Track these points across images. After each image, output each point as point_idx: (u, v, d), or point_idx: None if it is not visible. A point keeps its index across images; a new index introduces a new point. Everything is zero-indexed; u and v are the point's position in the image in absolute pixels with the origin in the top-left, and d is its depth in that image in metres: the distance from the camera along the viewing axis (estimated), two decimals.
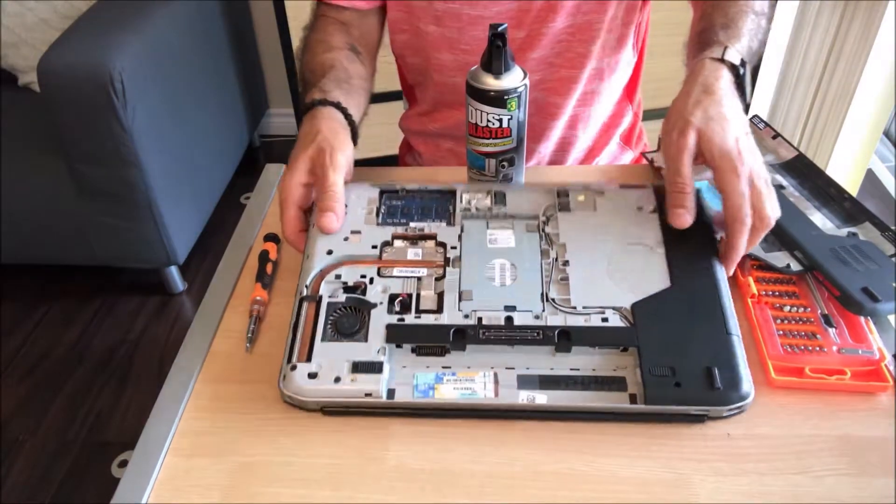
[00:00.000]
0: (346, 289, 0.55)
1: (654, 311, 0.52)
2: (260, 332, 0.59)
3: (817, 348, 0.53)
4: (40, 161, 1.53)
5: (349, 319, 0.53)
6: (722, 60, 0.58)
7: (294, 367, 0.50)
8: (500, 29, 0.58)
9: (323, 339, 0.52)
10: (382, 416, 0.51)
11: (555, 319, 0.52)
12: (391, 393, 0.50)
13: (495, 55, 0.58)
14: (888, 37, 1.26)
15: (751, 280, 0.57)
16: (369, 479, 0.48)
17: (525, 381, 0.50)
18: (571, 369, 0.50)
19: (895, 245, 0.59)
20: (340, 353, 0.51)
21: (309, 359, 0.51)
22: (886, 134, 1.92)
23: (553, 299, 0.53)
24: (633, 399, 0.48)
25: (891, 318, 0.56)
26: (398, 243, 0.58)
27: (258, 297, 0.60)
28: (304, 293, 0.55)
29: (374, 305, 0.53)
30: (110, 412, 1.49)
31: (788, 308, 0.56)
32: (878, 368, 0.52)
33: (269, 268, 0.63)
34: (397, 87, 0.95)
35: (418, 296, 0.54)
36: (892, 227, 0.60)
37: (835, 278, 0.55)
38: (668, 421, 0.49)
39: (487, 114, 0.60)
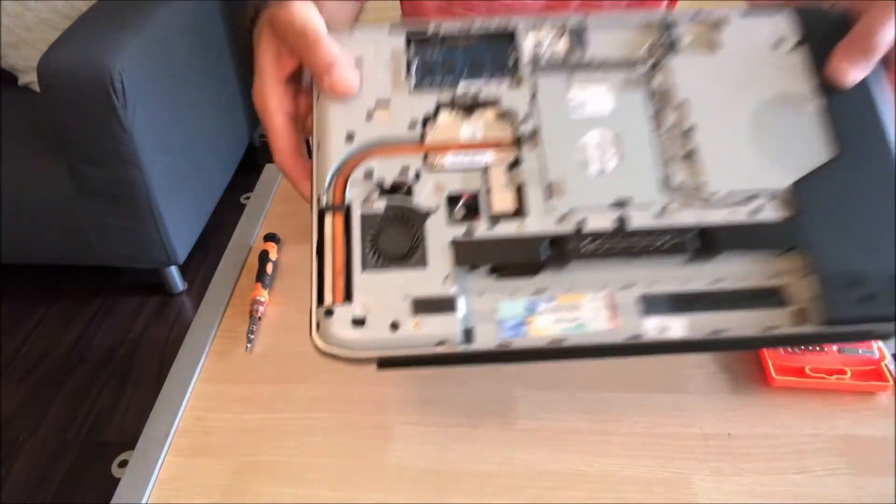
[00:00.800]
0: (384, 191, 0.39)
1: (823, 191, 0.38)
2: (260, 332, 0.59)
3: (817, 347, 0.53)
4: (40, 161, 1.53)
5: (397, 236, 0.38)
6: None
7: (330, 312, 0.36)
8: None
9: (364, 269, 0.37)
10: (456, 363, 0.38)
11: (686, 215, 0.37)
12: (468, 334, 0.36)
13: None
14: None
15: None
16: (369, 479, 0.48)
17: (651, 304, 0.37)
18: (711, 282, 0.37)
19: None
20: (392, 285, 0.37)
21: (349, 297, 0.36)
22: None
23: (680, 186, 0.38)
24: (800, 317, 0.36)
25: None
26: (445, 116, 0.41)
27: (258, 297, 0.60)
28: (325, 202, 0.39)
29: (428, 213, 0.38)
30: (110, 412, 1.49)
31: None
32: (878, 368, 0.52)
33: (269, 268, 0.63)
34: None
35: (488, 194, 0.39)
36: None
37: None
38: (847, 340, 0.39)
39: None
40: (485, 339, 0.36)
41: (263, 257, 0.64)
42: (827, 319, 0.36)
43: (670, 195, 0.38)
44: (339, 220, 0.39)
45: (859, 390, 0.51)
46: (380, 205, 0.38)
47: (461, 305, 0.36)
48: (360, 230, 0.38)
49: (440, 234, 0.38)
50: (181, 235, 1.66)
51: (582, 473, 0.47)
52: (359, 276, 0.37)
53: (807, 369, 0.51)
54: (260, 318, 0.59)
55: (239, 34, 1.89)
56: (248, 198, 0.75)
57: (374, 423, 0.51)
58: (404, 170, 0.39)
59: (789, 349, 0.53)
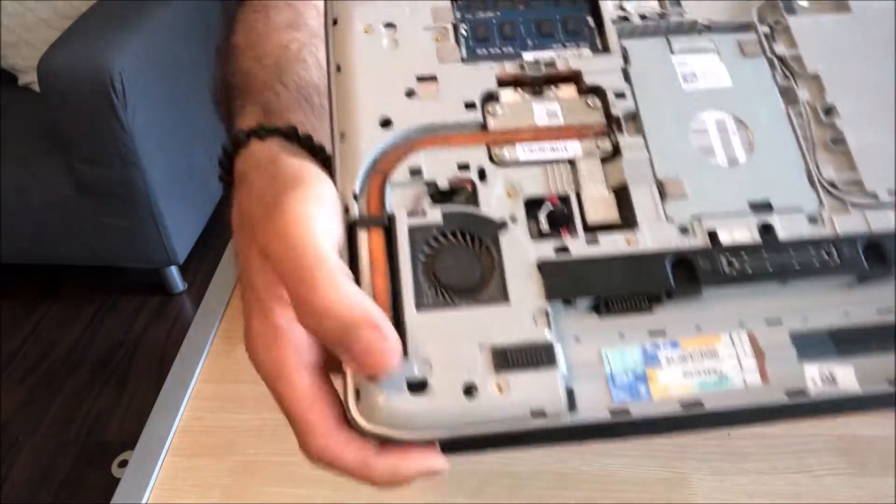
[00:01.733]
0: (438, 195, 0.28)
1: None
2: None
3: None
4: (40, 161, 1.53)
5: (461, 259, 0.27)
6: None
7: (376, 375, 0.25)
8: None
9: (420, 308, 0.26)
10: (550, 442, 0.26)
11: (847, 221, 0.28)
12: (570, 397, 0.25)
13: None
14: None
15: None
16: None
17: (807, 345, 0.27)
18: (880, 311, 0.27)
19: None
20: (461, 331, 0.26)
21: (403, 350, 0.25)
22: None
23: (832, 183, 0.29)
24: None
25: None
26: (510, 94, 0.31)
27: None
28: (356, 212, 0.28)
29: (503, 225, 0.27)
30: (110, 412, 1.49)
31: None
32: None
33: None
34: None
35: (580, 197, 0.28)
36: None
37: None
38: None
39: None
40: (593, 405, 0.25)
41: None
42: None
43: (822, 195, 0.29)
44: (379, 237, 0.27)
45: None
46: (434, 215, 0.27)
47: (560, 356, 0.25)
48: (410, 252, 0.27)
49: (522, 254, 0.27)
50: (181, 235, 1.66)
51: (582, 473, 0.47)
52: (413, 319, 0.26)
53: None
54: None
55: None
56: None
57: None
58: (463, 166, 0.29)
59: None
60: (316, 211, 0.26)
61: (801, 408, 0.26)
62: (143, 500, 0.47)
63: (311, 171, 0.29)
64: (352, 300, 0.24)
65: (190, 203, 1.71)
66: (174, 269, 1.74)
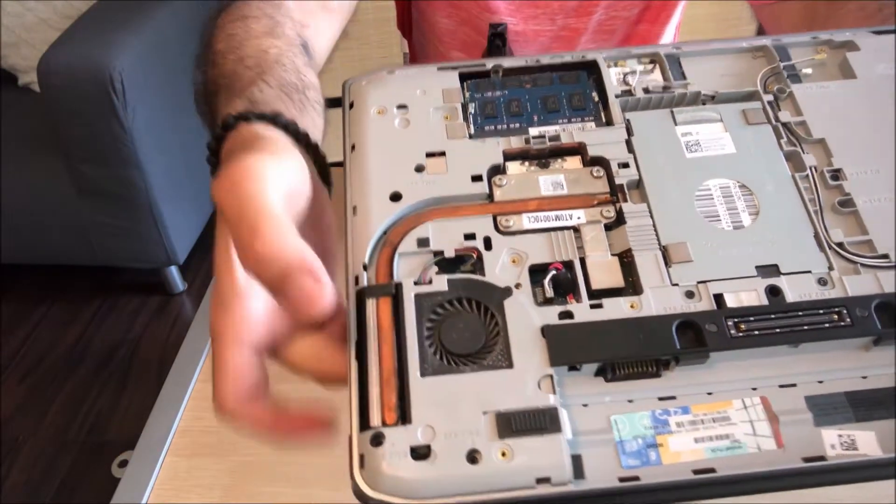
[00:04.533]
0: (445, 264, 0.29)
1: None
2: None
3: None
4: (40, 161, 1.53)
5: (467, 325, 0.27)
6: None
7: (378, 439, 0.25)
8: (499, 29, 0.58)
9: (424, 374, 0.26)
10: None
11: (858, 283, 0.27)
12: (577, 464, 0.25)
13: (494, 55, 0.59)
14: None
15: None
16: None
17: (824, 409, 0.26)
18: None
19: None
20: (465, 396, 0.26)
21: (404, 417, 0.26)
22: None
23: (841, 245, 0.29)
24: None
25: None
26: (516, 167, 0.32)
27: None
28: (365, 281, 0.29)
29: (508, 291, 0.28)
30: (110, 412, 1.49)
31: None
32: None
33: None
34: None
35: (584, 263, 0.29)
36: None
37: None
38: None
39: None
40: (601, 472, 0.25)
41: None
42: None
43: (831, 257, 0.28)
44: (387, 305, 0.28)
45: None
46: (440, 282, 0.28)
47: (565, 421, 0.25)
48: (416, 319, 0.27)
49: (526, 319, 0.27)
50: (181, 235, 1.66)
51: None
52: (417, 384, 0.26)
53: None
54: None
55: None
56: None
57: None
58: (469, 236, 0.29)
59: None
60: (270, 169, 0.27)
61: (820, 473, 0.25)
62: (143, 500, 0.47)
63: (282, 143, 0.31)
64: (291, 247, 0.25)
65: (190, 203, 1.71)
66: (174, 269, 1.74)
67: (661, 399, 0.26)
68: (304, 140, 0.33)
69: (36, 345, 1.65)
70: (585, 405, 0.26)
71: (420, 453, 0.25)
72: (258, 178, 0.27)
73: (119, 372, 1.58)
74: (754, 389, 0.26)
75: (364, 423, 0.26)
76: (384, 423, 0.26)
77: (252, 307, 0.28)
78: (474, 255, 0.29)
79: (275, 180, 0.27)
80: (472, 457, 0.25)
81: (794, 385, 0.26)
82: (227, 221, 0.26)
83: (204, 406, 0.53)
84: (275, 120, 0.33)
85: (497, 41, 0.58)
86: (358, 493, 0.25)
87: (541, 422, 0.25)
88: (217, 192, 0.27)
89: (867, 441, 0.25)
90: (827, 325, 0.26)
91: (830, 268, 0.28)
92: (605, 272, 0.28)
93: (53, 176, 1.52)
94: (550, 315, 0.27)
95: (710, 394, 0.26)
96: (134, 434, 0.51)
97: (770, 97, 0.33)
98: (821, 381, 0.26)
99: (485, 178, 0.31)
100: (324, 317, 0.25)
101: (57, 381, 1.56)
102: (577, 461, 0.25)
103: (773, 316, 0.27)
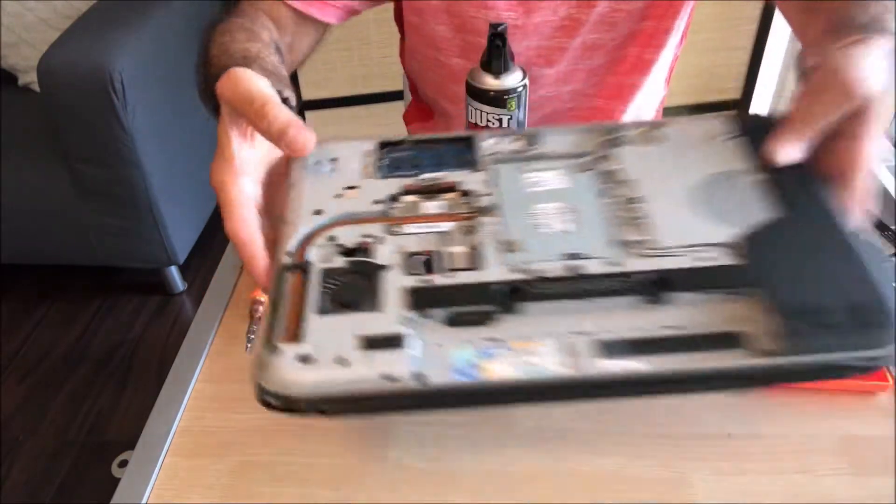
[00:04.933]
0: (346, 252, 0.41)
1: (770, 243, 0.40)
2: (260, 333, 0.59)
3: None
4: (40, 161, 1.53)
5: (355, 286, 0.39)
6: None
7: (275, 348, 0.36)
8: (499, 29, 0.58)
9: (319, 314, 0.37)
10: (407, 408, 0.36)
11: (639, 264, 0.39)
12: (420, 378, 0.35)
13: (494, 55, 0.59)
14: None
15: None
16: (369, 479, 0.48)
17: (609, 348, 0.36)
18: (669, 327, 0.37)
19: (895, 245, 0.59)
20: (345, 328, 0.37)
21: (296, 337, 0.36)
22: (886, 134, 1.92)
23: (631, 242, 0.40)
24: (765, 356, 0.35)
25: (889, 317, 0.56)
26: (410, 198, 0.44)
27: (258, 297, 0.60)
28: (287, 261, 0.40)
29: (388, 266, 0.40)
30: (110, 412, 1.49)
31: None
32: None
33: None
34: (397, 87, 0.95)
35: (446, 252, 0.41)
36: (893, 228, 0.60)
37: None
38: (815, 378, 0.37)
39: (487, 114, 0.60)
40: (438, 381, 0.35)
41: None
42: (793, 349, 0.35)
43: (623, 249, 0.40)
44: (299, 277, 0.40)
45: (859, 390, 0.51)
46: (339, 262, 0.40)
47: (413, 344, 0.36)
48: (320, 281, 0.39)
49: (398, 283, 0.39)
50: (181, 235, 1.66)
51: (582, 473, 0.47)
52: (312, 319, 0.37)
53: None
54: (260, 318, 0.59)
55: None
56: None
57: (374, 422, 0.51)
58: (366, 236, 0.41)
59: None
60: (257, 76, 0.44)
61: (599, 388, 0.35)
62: (143, 500, 0.47)
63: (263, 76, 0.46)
64: (285, 114, 0.42)
65: (190, 203, 1.71)
66: (174, 269, 1.74)
67: (488, 340, 0.36)
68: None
69: (36, 345, 1.65)
70: (438, 345, 0.36)
71: (304, 359, 0.35)
72: (252, 76, 0.44)
73: (119, 372, 1.58)
74: (562, 335, 0.36)
75: (268, 342, 0.36)
76: (283, 340, 0.36)
77: (245, 157, 0.43)
78: (368, 247, 0.41)
79: (261, 79, 0.44)
80: (341, 361, 0.35)
81: (589, 333, 0.36)
82: (236, 104, 0.43)
83: (204, 406, 0.53)
84: (263, 69, 0.48)
85: (497, 41, 0.58)
86: (259, 391, 0.36)
87: (392, 342, 0.36)
88: (223, 89, 0.43)
89: (639, 365, 0.35)
90: (617, 287, 0.38)
91: (622, 255, 0.39)
92: (459, 258, 0.40)
93: (53, 176, 1.52)
94: (416, 282, 0.38)
95: (528, 337, 0.36)
96: (134, 434, 0.51)
97: (598, 155, 0.46)
98: (609, 331, 0.36)
99: (385, 202, 0.44)
100: (305, 152, 0.42)
101: (57, 381, 1.56)
102: (420, 376, 0.34)
103: (572, 281, 0.38)
